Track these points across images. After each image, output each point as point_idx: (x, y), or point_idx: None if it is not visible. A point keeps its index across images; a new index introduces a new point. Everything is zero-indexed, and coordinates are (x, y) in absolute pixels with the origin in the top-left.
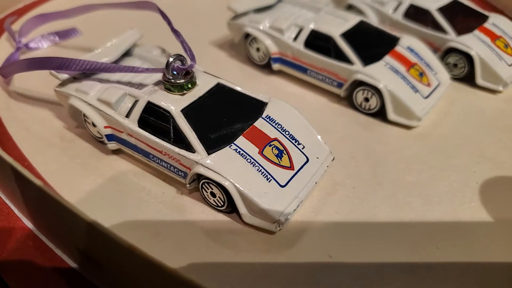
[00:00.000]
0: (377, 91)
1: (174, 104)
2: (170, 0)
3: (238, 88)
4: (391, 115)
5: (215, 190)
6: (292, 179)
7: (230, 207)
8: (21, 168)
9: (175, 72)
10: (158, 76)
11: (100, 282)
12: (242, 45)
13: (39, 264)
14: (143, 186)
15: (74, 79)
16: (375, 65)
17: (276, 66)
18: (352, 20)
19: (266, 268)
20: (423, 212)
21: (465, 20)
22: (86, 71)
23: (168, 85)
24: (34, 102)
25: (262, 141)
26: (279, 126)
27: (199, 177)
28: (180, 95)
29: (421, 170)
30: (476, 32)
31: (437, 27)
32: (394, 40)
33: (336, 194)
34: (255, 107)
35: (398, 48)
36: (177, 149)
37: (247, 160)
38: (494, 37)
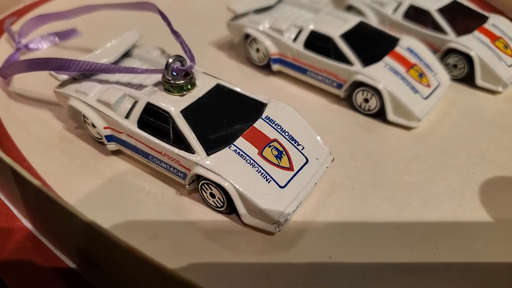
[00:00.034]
0: (376, 92)
1: (173, 105)
2: (170, 1)
3: (238, 89)
4: (391, 116)
5: (215, 191)
6: (292, 180)
7: (229, 208)
8: (19, 168)
9: (175, 73)
10: (158, 77)
11: (99, 282)
12: (241, 46)
13: (38, 264)
14: (142, 186)
15: (73, 80)
16: (374, 66)
17: (275, 67)
18: (351, 21)
19: (266, 269)
20: (422, 212)
21: (465, 20)
22: (85, 72)
23: (168, 86)
24: (34, 103)
25: (261, 142)
26: (279, 127)
27: (198, 178)
28: (180, 96)
29: (420, 170)
30: (476, 33)
31: (437, 27)
32: (393, 41)
33: (335, 195)
34: (255, 108)
35: (398, 49)
36: (176, 150)
37: (246, 161)
38: (494, 38)
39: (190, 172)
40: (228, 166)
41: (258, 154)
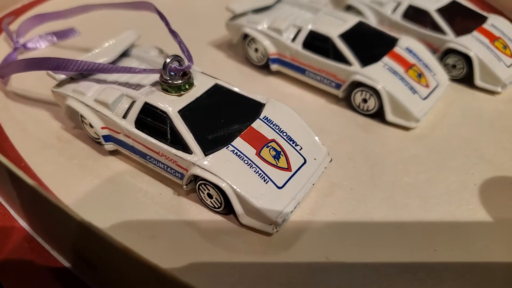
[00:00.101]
0: (375, 92)
1: (171, 105)
2: (168, 0)
3: (236, 89)
4: (389, 116)
5: (212, 192)
6: (290, 181)
7: (227, 209)
8: (14, 168)
9: (172, 73)
10: (156, 76)
11: (96, 283)
12: (240, 46)
13: (35, 265)
14: (140, 187)
15: (71, 79)
16: (373, 66)
17: (274, 66)
18: (350, 21)
19: (264, 269)
20: (421, 213)
21: (464, 21)
22: (83, 72)
23: (165, 86)
24: (32, 103)
25: (259, 142)
26: (277, 127)
27: (196, 178)
28: (177, 96)
29: (419, 171)
30: (475, 33)
31: (436, 28)
32: (392, 41)
33: (333, 195)
34: (253, 108)
35: (397, 49)
36: (174, 150)
37: (244, 161)
38: (493, 38)
39: (188, 172)
40: (225, 167)
41: (256, 154)
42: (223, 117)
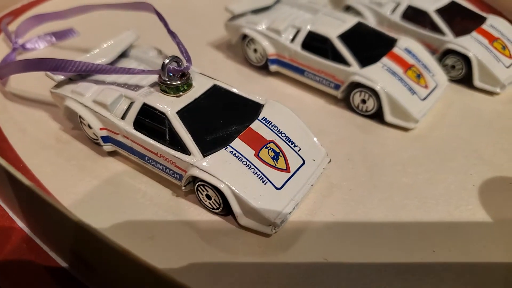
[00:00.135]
0: (374, 93)
1: (169, 106)
2: (167, 1)
3: (235, 90)
4: (388, 117)
5: (211, 193)
6: (288, 182)
7: (225, 210)
8: (11, 168)
9: (171, 74)
10: (154, 77)
11: (94, 285)
12: (239, 46)
13: (33, 266)
14: (138, 188)
15: (70, 80)
16: (372, 66)
17: (273, 67)
18: (349, 21)
19: (262, 270)
20: (419, 214)
21: (463, 21)
22: (82, 73)
23: (164, 87)
24: (30, 103)
25: (258, 143)
26: (276, 128)
27: (194, 179)
28: (176, 96)
29: (417, 172)
30: (474, 33)
31: (435, 28)
32: (391, 42)
33: (332, 196)
34: (252, 109)
35: (396, 50)
36: (172, 151)
37: (242, 162)
38: (492, 38)
39: (186, 173)
40: (224, 168)
41: (254, 155)
42: (221, 118)
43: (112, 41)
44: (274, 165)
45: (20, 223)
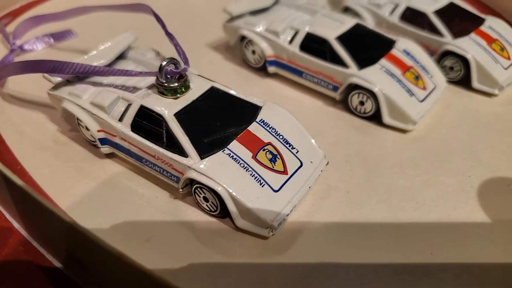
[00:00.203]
0: (372, 94)
1: (167, 108)
2: (166, 2)
3: (232, 92)
4: (387, 118)
5: (208, 195)
6: (286, 184)
7: (223, 212)
8: (4, 169)
9: (169, 76)
10: (152, 79)
11: (90, 286)
12: (237, 48)
13: (30, 268)
14: (136, 189)
15: (67, 82)
16: (370, 68)
17: (271, 69)
18: (348, 23)
19: (259, 273)
20: (417, 216)
21: (461, 23)
22: (79, 75)
23: (162, 89)
24: (28, 105)
25: (255, 145)
26: (273, 130)
27: (192, 181)
28: (174, 99)
29: (415, 174)
30: (473, 35)
31: (434, 30)
32: (390, 43)
33: (330, 198)
34: (249, 111)
35: (394, 51)
36: (169, 154)
37: (240, 164)
38: (490, 40)
39: (183, 176)
40: (221, 170)
41: (252, 157)
42: (219, 120)
43: (110, 42)
44: (271, 167)
45: (17, 225)
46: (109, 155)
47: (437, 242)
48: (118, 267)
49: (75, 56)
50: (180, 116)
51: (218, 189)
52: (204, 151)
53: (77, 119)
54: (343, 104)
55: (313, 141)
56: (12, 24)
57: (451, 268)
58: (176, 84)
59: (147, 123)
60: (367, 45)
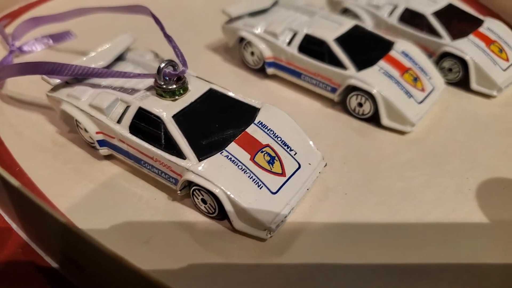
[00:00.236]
0: (370, 96)
1: (165, 110)
2: (165, 4)
3: (231, 94)
4: (385, 120)
5: (206, 197)
6: (284, 186)
7: (221, 214)
8: (1, 170)
9: (167, 78)
10: (150, 81)
11: (87, 287)
12: (236, 49)
13: (28, 271)
14: (134, 191)
15: (66, 84)
16: (368, 70)
17: (270, 70)
18: (346, 24)
19: (258, 274)
20: (415, 218)
21: (460, 24)
22: (78, 76)
23: (160, 91)
24: (27, 107)
25: (254, 147)
26: (271, 132)
27: (190, 183)
28: (172, 100)
29: (414, 176)
30: (471, 36)
31: (432, 31)
32: (388, 45)
33: (328, 200)
34: (248, 113)
35: (393, 53)
36: (168, 156)
37: (238, 166)
38: (488, 41)
39: (182, 178)
40: (219, 172)
41: (250, 159)
42: (217, 122)
43: (109, 44)
44: (269, 169)
45: (16, 227)
46: (108, 157)
47: (436, 243)
48: (112, 267)
49: (74, 57)
50: (178, 118)
51: (216, 191)
52: (202, 153)
53: (76, 120)
54: (342, 105)
55: (311, 143)
56: (11, 26)
57: (450, 269)
58: (175, 86)
59: (145, 125)
60: (365, 47)
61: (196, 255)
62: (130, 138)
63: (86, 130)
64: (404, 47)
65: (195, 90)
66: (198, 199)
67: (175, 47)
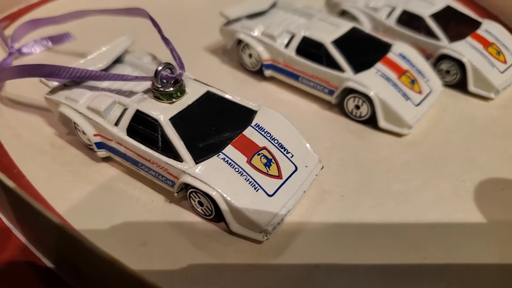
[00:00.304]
0: (367, 98)
1: (162, 113)
2: (163, 5)
3: (228, 96)
4: (382, 122)
5: (203, 200)
6: (280, 188)
7: (218, 216)
8: None
9: (164, 81)
10: (148, 83)
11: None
12: (234, 51)
13: (26, 272)
14: (132, 193)
15: (64, 86)
16: (366, 72)
17: (268, 72)
18: (344, 26)
19: (254, 276)
20: (412, 219)
21: (458, 26)
22: (76, 79)
23: (157, 94)
24: (25, 109)
25: (250, 150)
26: (268, 135)
27: (187, 186)
28: (169, 103)
29: (410, 178)
30: (469, 38)
31: (430, 33)
32: (386, 47)
33: (324, 202)
34: (245, 116)
35: (390, 55)
36: (165, 158)
37: (235, 169)
38: (486, 44)
39: (178, 180)
40: (216, 175)
41: (246, 162)
42: (214, 124)
43: (107, 46)
44: (266, 171)
45: (14, 228)
46: (106, 159)
47: (432, 246)
48: (106, 269)
49: (73, 59)
50: (175, 120)
51: (213, 193)
52: (199, 156)
53: (74, 123)
54: (339, 108)
55: (308, 145)
56: (10, 27)
57: (447, 270)
58: (172, 89)
59: (142, 127)
60: (363, 49)
61: (193, 257)
62: (128, 141)
63: (84, 133)
64: (402, 50)
65: (192, 93)
66: (195, 201)
67: (172, 50)
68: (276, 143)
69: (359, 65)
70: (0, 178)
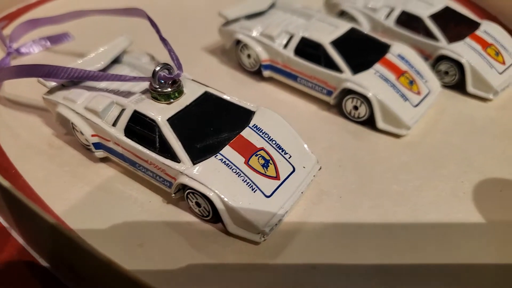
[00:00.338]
0: (366, 99)
1: (160, 113)
2: (162, 6)
3: (226, 97)
4: (380, 123)
5: (200, 200)
6: (278, 189)
7: (215, 217)
8: None
9: (162, 81)
10: (146, 84)
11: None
12: (233, 52)
13: (23, 273)
14: (129, 194)
15: (62, 86)
16: (364, 73)
17: (266, 73)
18: (342, 27)
19: (251, 277)
20: (410, 220)
21: (456, 27)
22: (74, 79)
23: (155, 94)
24: (23, 109)
25: (248, 150)
26: (266, 136)
27: (184, 187)
28: (167, 104)
29: (408, 179)
30: (468, 39)
31: (429, 34)
32: (384, 48)
33: (322, 203)
34: (243, 116)
35: (389, 56)
36: (162, 159)
37: (232, 170)
38: (485, 44)
39: (176, 181)
40: (213, 176)
41: (244, 163)
42: (212, 125)
43: (106, 46)
44: (264, 172)
45: (12, 230)
46: (104, 159)
47: (430, 247)
48: (101, 268)
49: (71, 59)
50: (173, 121)
51: (210, 194)
52: (196, 157)
53: (72, 123)
54: (337, 108)
55: (305, 146)
56: (9, 27)
57: (446, 269)
58: (170, 89)
59: (140, 128)
60: (361, 50)
61: (190, 257)
62: (125, 141)
63: (82, 133)
64: (400, 50)
65: (190, 93)
66: (192, 202)
67: (170, 50)
68: (274, 144)
69: (358, 66)
70: None
